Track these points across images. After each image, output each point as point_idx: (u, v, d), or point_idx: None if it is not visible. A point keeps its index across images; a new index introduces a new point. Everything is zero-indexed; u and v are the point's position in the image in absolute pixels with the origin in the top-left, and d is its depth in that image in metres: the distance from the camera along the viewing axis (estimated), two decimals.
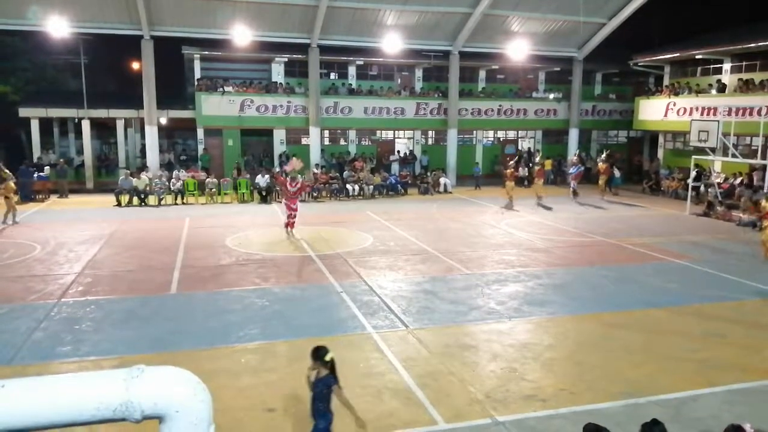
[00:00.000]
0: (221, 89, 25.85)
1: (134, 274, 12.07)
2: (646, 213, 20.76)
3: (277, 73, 27.98)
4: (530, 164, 27.61)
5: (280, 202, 19.76)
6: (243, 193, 23.00)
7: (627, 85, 32.78)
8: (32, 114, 25.33)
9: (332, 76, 29.00)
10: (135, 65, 29.72)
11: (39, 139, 25.70)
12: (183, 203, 22.19)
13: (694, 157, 21.49)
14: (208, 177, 23.42)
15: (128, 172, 22.93)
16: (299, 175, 16.94)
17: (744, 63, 24.89)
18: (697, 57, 26.11)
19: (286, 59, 27.56)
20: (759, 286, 11.49)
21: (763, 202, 14.40)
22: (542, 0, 25.53)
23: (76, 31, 23.65)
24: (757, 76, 23.43)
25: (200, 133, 26.35)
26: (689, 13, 32.47)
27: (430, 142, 30.14)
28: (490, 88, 30.87)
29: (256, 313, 9.72)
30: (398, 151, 29.33)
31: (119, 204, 21.34)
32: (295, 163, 16.41)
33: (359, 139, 29.06)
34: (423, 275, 12.10)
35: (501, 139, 31.51)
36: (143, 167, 24.78)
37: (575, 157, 25.28)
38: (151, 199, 21.88)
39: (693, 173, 22.68)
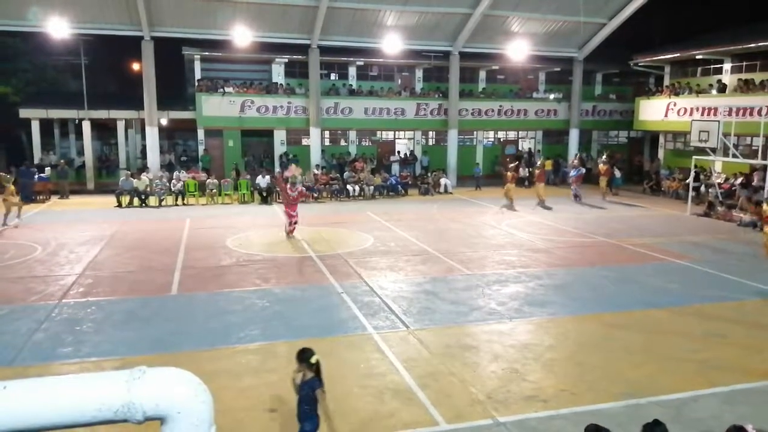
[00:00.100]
0: (222, 90, 25.86)
1: (135, 275, 12.08)
2: (647, 213, 20.76)
3: (278, 73, 27.99)
4: (531, 165, 27.59)
5: (281, 203, 19.77)
6: (243, 194, 23.00)
7: (627, 86, 32.78)
8: (33, 115, 25.35)
9: (332, 76, 29.02)
10: (135, 66, 29.75)
11: (39, 140, 25.71)
12: (183, 204, 22.20)
13: (694, 157, 21.48)
14: (208, 178, 23.43)
15: (129, 173, 22.94)
16: (299, 178, 16.94)
17: (744, 63, 24.89)
18: (697, 57, 26.10)
19: (287, 60, 27.57)
20: (760, 286, 11.49)
21: (765, 206, 14.39)
22: (542, 0, 25.54)
23: (77, 32, 23.66)
24: (758, 76, 23.42)
25: (201, 133, 26.36)
26: (689, 13, 32.48)
27: (430, 142, 30.15)
28: (490, 88, 30.88)
29: (257, 314, 9.72)
30: (399, 152, 29.34)
31: (120, 205, 21.35)
32: (294, 170, 16.45)
33: (360, 139, 29.06)
34: (424, 276, 12.10)
35: (501, 140, 31.53)
36: (144, 168, 24.79)
37: (576, 160, 25.23)
38: (152, 200, 21.89)
39: (691, 174, 22.72)
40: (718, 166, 23.61)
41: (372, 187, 24.41)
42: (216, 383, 6.36)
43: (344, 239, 15.68)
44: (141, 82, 24.80)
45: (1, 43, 27.58)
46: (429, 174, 26.69)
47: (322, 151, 27.11)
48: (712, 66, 26.42)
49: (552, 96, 30.82)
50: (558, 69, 30.77)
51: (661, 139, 28.87)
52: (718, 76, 25.66)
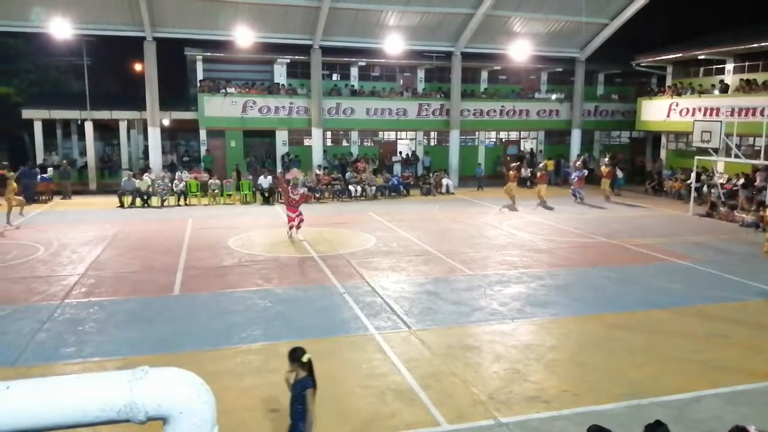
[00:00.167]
0: (224, 90, 25.89)
1: (137, 275, 12.10)
2: (649, 214, 20.74)
3: (280, 74, 28.00)
4: (533, 165, 27.56)
5: (283, 203, 19.79)
6: (245, 195, 23.02)
7: (629, 86, 32.74)
8: (35, 115, 25.40)
9: (334, 77, 29.03)
10: (138, 67, 29.77)
11: (42, 140, 25.76)
12: (186, 204, 22.22)
13: (697, 157, 21.45)
14: (210, 178, 23.45)
15: (131, 173, 22.97)
16: (300, 180, 16.95)
17: (747, 63, 24.84)
18: (699, 57, 26.06)
19: (289, 60, 27.58)
20: (762, 286, 11.47)
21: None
22: (544, 1, 25.52)
23: (79, 33, 23.70)
24: (760, 77, 23.37)
25: (203, 134, 26.38)
26: (691, 13, 32.42)
27: (432, 143, 30.14)
28: (492, 88, 30.86)
29: (259, 314, 9.73)
30: (400, 152, 29.34)
31: (122, 205, 21.37)
32: (295, 173, 16.48)
33: (361, 140, 29.07)
34: (425, 276, 12.10)
35: (503, 140, 31.51)
36: (146, 168, 24.83)
37: (579, 162, 25.11)
38: (154, 201, 21.91)
39: (693, 174, 22.71)
40: (720, 167, 23.58)
41: (374, 188, 24.41)
42: (218, 383, 6.37)
43: (346, 240, 15.68)
44: (143, 82, 24.83)
45: (4, 44, 27.66)
46: (431, 174, 26.68)
47: (324, 151, 27.12)
48: (714, 66, 26.38)
49: (554, 96, 30.80)
50: (560, 69, 30.74)
51: (664, 140, 28.83)
52: (721, 77, 25.61)
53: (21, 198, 18.24)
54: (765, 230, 15.90)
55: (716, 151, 20.75)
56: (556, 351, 8.29)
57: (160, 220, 18.99)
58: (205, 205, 22.24)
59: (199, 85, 26.33)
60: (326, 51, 26.20)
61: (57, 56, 31.37)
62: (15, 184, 17.84)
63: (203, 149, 26.51)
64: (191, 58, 27.23)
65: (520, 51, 24.91)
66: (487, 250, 14.57)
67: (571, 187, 23.44)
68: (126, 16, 23.16)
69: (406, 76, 30.25)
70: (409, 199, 24.30)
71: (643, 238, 15.95)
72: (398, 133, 29.67)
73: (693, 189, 21.43)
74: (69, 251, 14.06)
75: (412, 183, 26.24)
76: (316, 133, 26.54)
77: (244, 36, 23.13)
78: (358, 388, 7.12)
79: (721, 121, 20.63)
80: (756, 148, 22.96)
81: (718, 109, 23.10)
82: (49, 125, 26.89)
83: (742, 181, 21.99)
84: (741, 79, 24.03)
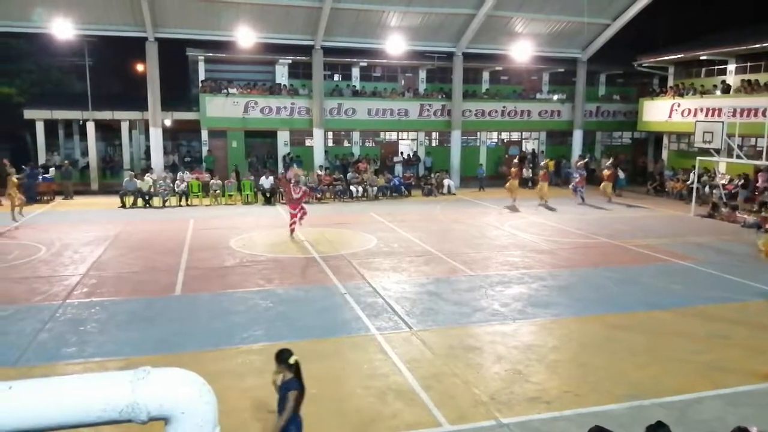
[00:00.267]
0: (225, 91, 25.91)
1: (139, 275, 12.11)
2: (651, 214, 20.72)
3: (281, 74, 28.02)
4: (534, 166, 27.55)
5: (285, 204, 19.83)
6: (247, 195, 23.04)
7: (631, 86, 32.73)
8: (37, 116, 25.44)
9: (336, 77, 29.05)
10: (139, 67, 29.80)
11: (44, 141, 25.80)
12: (187, 205, 22.24)
13: (698, 158, 21.43)
14: (212, 178, 23.46)
15: (133, 173, 23.00)
16: (302, 178, 16.97)
17: (749, 64, 24.81)
18: (701, 58, 26.02)
19: (290, 61, 27.60)
20: (763, 287, 11.45)
21: None
22: (546, 1, 25.51)
23: (81, 33, 23.74)
24: (762, 77, 23.34)
25: (204, 134, 26.41)
26: (693, 13, 32.39)
27: (433, 143, 30.15)
28: (493, 89, 30.86)
29: (261, 315, 9.74)
30: (402, 153, 29.35)
31: (124, 205, 21.40)
32: (296, 171, 16.50)
33: (363, 140, 29.09)
34: (427, 277, 12.10)
35: (505, 141, 31.52)
36: (148, 169, 24.85)
37: (580, 162, 25.08)
38: (156, 201, 21.93)
39: (692, 174, 22.71)
40: (722, 167, 23.55)
41: (375, 188, 24.41)
42: (220, 384, 6.37)
43: (347, 240, 15.69)
44: (145, 83, 24.86)
45: (6, 45, 27.70)
46: (432, 175, 26.69)
47: (326, 152, 27.14)
48: (716, 67, 26.34)
49: (556, 97, 30.78)
50: (562, 70, 30.73)
51: (665, 140, 28.81)
52: (723, 77, 25.58)
53: (21, 197, 18.28)
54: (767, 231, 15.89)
55: (718, 151, 20.72)
56: (558, 352, 8.29)
57: (161, 220, 19.01)
58: (206, 205, 22.25)
59: (200, 85, 26.37)
60: (328, 51, 26.21)
61: (59, 57, 31.41)
62: (16, 180, 17.91)
63: (205, 150, 26.53)
64: (193, 58, 27.27)
65: (521, 51, 24.90)
66: (488, 250, 14.57)
67: (572, 183, 23.41)
68: (128, 16, 23.20)
69: (408, 77, 30.26)
70: (411, 200, 24.30)
71: (644, 239, 15.93)
72: (400, 133, 29.68)
73: (694, 189, 21.41)
74: (71, 251, 14.08)
75: (413, 183, 26.24)
76: (318, 133, 26.55)
77: (245, 36, 23.15)
78: (359, 388, 7.12)
79: (723, 122, 20.60)
80: (758, 148, 22.92)
81: (720, 110, 23.07)
82: (51, 125, 26.93)
83: (740, 181, 21.97)
84: (743, 80, 24.00)
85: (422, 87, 29.83)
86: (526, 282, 11.72)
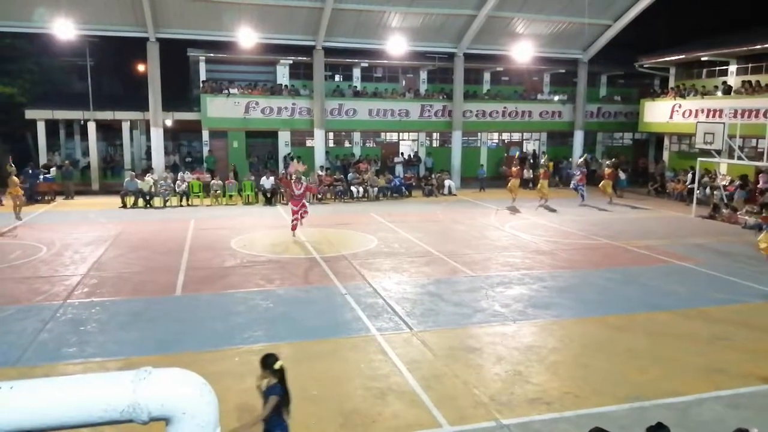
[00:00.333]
0: (226, 91, 25.93)
1: (139, 275, 12.11)
2: (651, 215, 20.71)
3: (282, 75, 28.03)
4: (535, 167, 27.54)
5: (286, 204, 19.83)
6: (248, 195, 23.05)
7: (632, 87, 32.72)
8: (38, 116, 25.45)
9: (337, 78, 29.07)
10: (141, 67, 29.83)
11: (45, 141, 25.82)
12: (188, 205, 22.25)
13: (699, 159, 21.41)
14: (213, 179, 23.48)
15: (133, 173, 23.01)
16: (303, 177, 16.98)
17: (750, 65, 24.79)
18: (702, 59, 25.99)
19: (291, 61, 27.62)
20: (764, 289, 11.44)
21: None
22: (547, 1, 25.51)
23: (83, 34, 23.76)
24: (763, 78, 23.31)
25: (205, 135, 26.43)
26: (695, 14, 32.38)
27: (434, 144, 30.16)
28: (494, 90, 30.87)
29: (261, 315, 9.74)
30: (402, 153, 29.36)
31: (125, 206, 21.42)
32: (296, 166, 16.48)
33: (364, 141, 29.11)
34: (427, 277, 12.10)
35: (506, 141, 31.53)
36: (148, 169, 24.86)
37: (581, 160, 25.09)
38: (157, 201, 21.94)
39: (689, 175, 22.70)
40: (723, 169, 23.53)
41: (376, 189, 24.42)
42: (220, 384, 6.38)
43: (348, 240, 15.69)
44: (146, 83, 24.88)
45: (7, 45, 27.69)
46: (433, 175, 26.70)
47: (327, 152, 27.15)
48: (717, 68, 26.32)
49: (557, 97, 30.79)
50: (563, 70, 30.74)
51: (666, 141, 28.79)
52: (724, 78, 25.56)
53: (22, 197, 18.30)
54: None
55: (719, 152, 20.71)
56: (558, 353, 8.29)
57: (162, 220, 19.02)
58: (207, 205, 22.26)
59: (201, 85, 26.38)
60: (329, 52, 26.22)
61: (60, 57, 31.41)
62: (16, 179, 17.93)
63: (206, 150, 26.55)
64: (194, 58, 27.29)
65: (522, 52, 24.88)
66: (489, 251, 14.56)
67: (573, 182, 23.41)
68: (129, 16, 23.21)
69: (409, 77, 30.27)
70: (411, 200, 24.30)
71: (645, 240, 15.92)
72: (400, 134, 29.69)
73: (695, 190, 21.41)
74: (71, 251, 14.09)
75: (414, 184, 26.25)
76: (319, 134, 26.56)
77: (246, 37, 23.15)
78: (359, 389, 7.12)
79: (724, 123, 20.60)
80: (759, 149, 22.91)
81: (721, 111, 23.06)
82: (52, 126, 26.96)
83: (738, 183, 21.97)
84: (744, 81, 23.99)
85: (423, 87, 29.84)
86: (526, 283, 11.71)
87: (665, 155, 28.80)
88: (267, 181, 22.94)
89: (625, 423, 6.22)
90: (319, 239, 15.67)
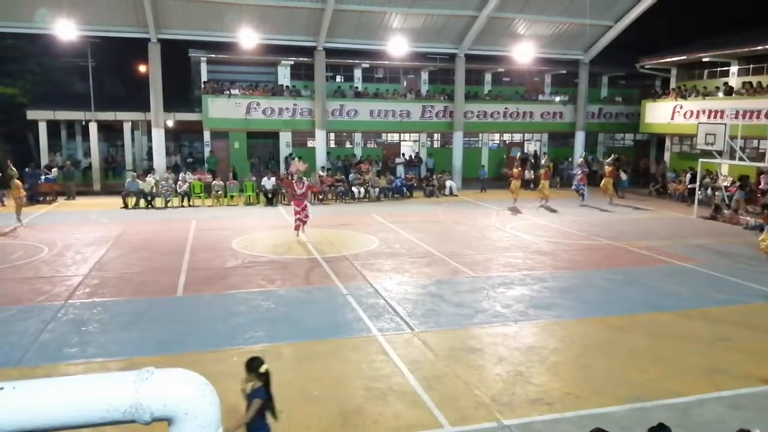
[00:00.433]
0: (228, 92, 25.95)
1: (141, 276, 12.12)
2: (653, 216, 20.70)
3: (284, 75, 28.06)
4: (536, 168, 27.53)
5: (289, 204, 19.83)
6: (249, 196, 23.06)
7: (633, 88, 32.73)
8: (40, 116, 25.49)
9: (338, 78, 29.08)
10: (142, 68, 29.90)
11: (46, 141, 25.87)
12: (189, 205, 22.27)
13: (701, 160, 21.39)
14: (214, 179, 23.49)
15: (135, 174, 23.04)
16: (305, 177, 16.98)
17: (751, 66, 24.78)
18: (703, 59, 25.99)
19: (293, 62, 27.65)
20: (765, 289, 11.43)
21: None
22: (548, 2, 25.51)
23: (84, 34, 23.79)
24: (765, 79, 23.30)
25: (207, 135, 26.44)
26: (696, 15, 32.37)
27: (435, 144, 30.16)
28: (495, 90, 30.87)
29: (262, 316, 9.75)
30: (404, 154, 29.37)
31: (126, 206, 21.44)
32: (297, 165, 16.48)
33: (365, 141, 29.12)
34: (428, 278, 12.10)
35: (507, 142, 31.54)
36: (150, 170, 24.89)
37: (581, 160, 25.11)
38: (158, 202, 21.96)
39: (688, 176, 22.64)
40: (724, 169, 23.52)
41: (377, 189, 24.43)
42: (221, 384, 6.34)
43: (349, 241, 15.69)
44: (147, 84, 24.91)
45: (9, 45, 27.75)
46: (434, 176, 26.70)
47: (328, 153, 27.16)
48: (718, 68, 26.32)
49: (558, 98, 30.79)
50: (564, 71, 30.74)
51: (668, 142, 28.78)
52: (725, 79, 25.56)
53: (24, 198, 18.31)
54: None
55: (720, 153, 20.69)
56: (560, 353, 8.28)
57: (163, 221, 19.03)
58: (208, 206, 22.27)
59: (203, 86, 26.40)
60: (330, 53, 26.24)
61: (62, 57, 31.50)
62: (18, 182, 17.95)
63: (207, 150, 26.57)
64: (195, 59, 27.33)
65: (523, 53, 24.88)
66: (490, 252, 14.56)
67: (574, 183, 23.41)
68: (130, 17, 23.24)
69: (410, 78, 30.29)
70: (412, 201, 24.31)
71: (646, 241, 15.91)
72: (402, 134, 29.70)
73: (697, 191, 21.40)
74: (73, 252, 14.10)
75: (415, 185, 26.28)
76: (320, 134, 26.56)
77: (248, 38, 23.17)
78: (360, 389, 7.13)
79: (725, 124, 20.58)
80: (760, 150, 22.92)
81: (722, 112, 23.03)
82: (53, 126, 27.00)
83: (737, 183, 21.98)
84: (745, 82, 23.98)
85: (424, 88, 29.84)
86: (527, 283, 11.71)
87: (666, 156, 28.79)
88: (268, 182, 22.95)
89: (626, 423, 6.22)
90: (321, 240, 15.67)
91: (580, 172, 23.23)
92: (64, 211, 20.86)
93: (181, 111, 27.00)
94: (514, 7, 25.47)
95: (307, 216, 15.70)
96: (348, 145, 28.90)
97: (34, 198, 21.56)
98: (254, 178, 23.73)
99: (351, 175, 25.24)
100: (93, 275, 12.05)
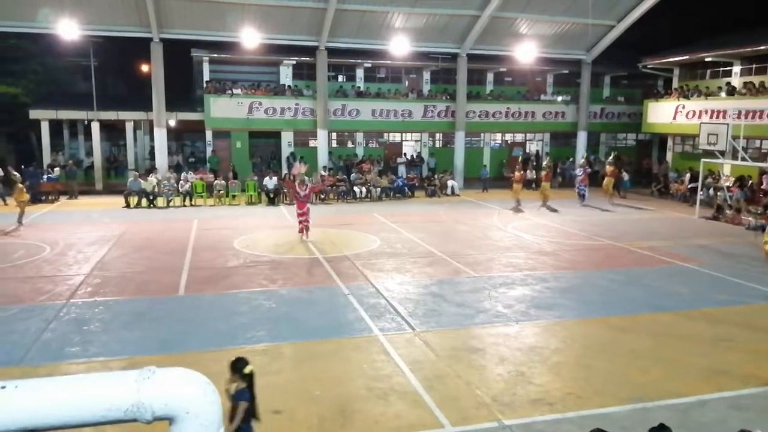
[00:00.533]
0: (230, 91, 25.96)
1: (143, 275, 12.14)
2: (655, 216, 20.67)
3: (286, 75, 28.07)
4: (538, 168, 27.52)
5: (291, 204, 19.83)
6: (251, 195, 23.08)
7: (636, 88, 32.68)
8: (42, 116, 25.53)
9: (340, 78, 29.09)
10: (144, 68, 29.89)
11: (49, 141, 25.92)
12: (191, 205, 22.29)
13: (703, 160, 21.37)
14: (216, 179, 23.52)
15: (137, 173, 23.07)
16: (307, 178, 16.98)
17: (754, 66, 24.73)
18: (706, 59, 25.93)
19: (295, 62, 27.66)
20: (767, 290, 11.43)
21: None
22: (551, 2, 25.48)
23: (87, 34, 23.82)
24: (767, 79, 23.27)
25: (209, 135, 26.46)
26: (698, 15, 32.31)
27: (437, 144, 30.15)
28: (497, 90, 30.85)
29: (264, 315, 9.76)
30: (405, 154, 29.36)
31: (128, 205, 21.47)
32: (299, 167, 16.50)
33: (367, 141, 29.12)
34: (430, 278, 12.10)
35: (509, 142, 31.51)
36: (152, 169, 24.92)
37: (583, 160, 25.10)
38: (160, 201, 21.99)
39: (687, 176, 22.59)
40: (726, 170, 23.48)
41: (379, 189, 24.43)
42: (223, 384, 6.38)
43: (351, 241, 15.70)
44: (150, 83, 24.93)
45: (12, 45, 27.80)
46: (436, 176, 26.70)
47: (329, 152, 27.17)
48: (721, 68, 26.27)
49: (560, 98, 30.75)
50: (566, 71, 30.70)
51: (670, 142, 28.74)
52: (727, 79, 25.52)
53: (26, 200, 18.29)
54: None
55: (723, 153, 20.66)
56: (561, 354, 8.28)
57: (165, 220, 19.05)
58: (210, 205, 22.29)
59: (205, 86, 26.42)
60: (332, 52, 26.24)
61: (64, 57, 31.53)
62: (22, 186, 17.96)
63: (209, 150, 26.59)
64: (198, 59, 27.35)
65: (526, 53, 24.86)
66: (491, 251, 14.56)
67: (577, 185, 23.39)
68: (133, 17, 23.27)
69: (412, 78, 30.29)
70: (414, 201, 24.30)
71: (648, 241, 15.90)
72: (403, 134, 29.69)
73: (699, 191, 21.37)
74: (75, 251, 14.13)
75: (417, 184, 26.27)
76: (322, 134, 26.57)
77: (250, 37, 23.18)
78: (362, 389, 7.13)
79: (727, 124, 20.54)
80: (763, 150, 22.88)
81: (724, 112, 22.99)
82: (56, 126, 27.04)
83: (736, 183, 21.97)
84: (748, 82, 23.93)
85: (426, 88, 29.84)
86: (529, 284, 11.71)
87: (669, 156, 28.75)
88: (270, 182, 22.96)
89: (628, 424, 6.22)
90: (322, 239, 15.69)
91: (581, 172, 23.22)
92: (66, 210, 20.90)
93: (184, 110, 27.03)
94: (516, 7, 25.45)
95: (307, 221, 15.68)
96: (350, 144, 28.91)
97: (35, 197, 21.58)
98: (256, 178, 23.74)
99: (353, 175, 25.24)
100: (95, 274, 12.07)
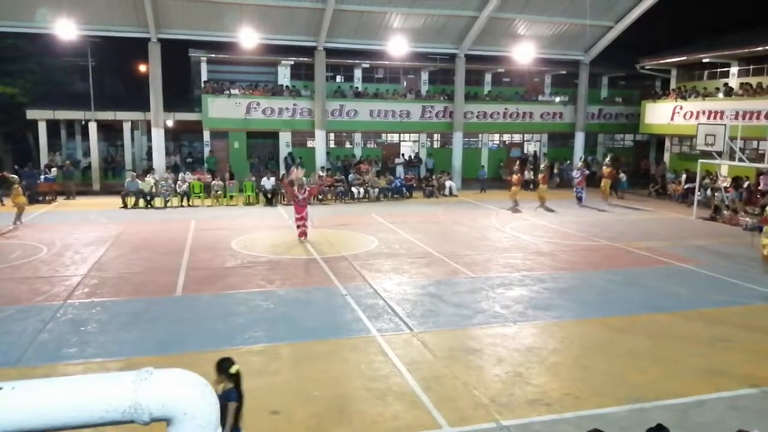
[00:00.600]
0: (228, 92, 25.94)
1: (140, 276, 12.12)
2: (652, 217, 20.70)
3: (284, 75, 28.06)
4: (536, 169, 27.54)
5: (288, 205, 19.81)
6: (248, 196, 23.06)
7: (633, 89, 32.73)
8: (40, 116, 25.47)
9: (338, 78, 29.08)
10: (142, 68, 29.89)
11: (46, 141, 25.87)
12: (189, 205, 22.26)
13: (700, 161, 21.40)
14: (213, 179, 23.49)
15: (134, 174, 23.03)
16: (305, 179, 16.96)
17: (751, 66, 24.79)
18: (704, 60, 26.01)
19: (293, 62, 27.65)
20: (765, 290, 11.44)
21: None
22: (549, 3, 25.51)
23: (84, 34, 23.79)
24: (765, 80, 23.31)
25: (206, 135, 26.43)
26: (696, 16, 32.38)
27: (435, 145, 30.17)
28: (495, 91, 30.87)
29: (261, 316, 9.75)
30: (403, 154, 29.37)
31: (125, 206, 21.43)
32: (296, 172, 16.51)
33: (365, 141, 29.12)
34: (428, 278, 12.10)
35: (507, 143, 31.54)
36: (149, 169, 24.88)
37: (581, 163, 25.13)
38: (157, 201, 21.96)
39: (684, 176, 22.64)
40: (724, 170, 23.53)
41: (377, 190, 24.43)
42: None
43: (349, 241, 15.70)
44: (147, 83, 24.91)
45: (9, 45, 27.74)
46: (434, 176, 26.70)
47: (327, 153, 27.16)
48: (718, 69, 26.33)
49: (558, 99, 30.79)
50: (564, 72, 30.74)
51: (667, 143, 28.80)
52: (725, 80, 25.57)
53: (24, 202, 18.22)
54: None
55: (720, 154, 20.70)
56: (559, 354, 8.29)
57: (163, 221, 19.03)
58: (208, 206, 22.27)
59: (203, 86, 26.39)
60: (330, 53, 26.23)
61: (62, 57, 31.49)
62: (19, 188, 17.91)
63: (207, 150, 26.56)
64: (195, 59, 27.31)
65: (524, 53, 24.88)
66: (489, 252, 14.56)
67: (574, 189, 23.41)
68: (131, 17, 23.23)
69: (410, 78, 30.29)
70: (412, 201, 24.31)
71: (646, 241, 15.92)
72: (401, 135, 29.70)
73: (696, 192, 21.41)
74: (72, 252, 14.10)
75: (414, 185, 26.28)
76: (320, 134, 26.56)
77: (248, 37, 23.16)
78: (359, 389, 7.13)
79: (725, 125, 20.59)
80: (760, 151, 22.93)
81: (722, 113, 23.04)
82: (53, 126, 26.98)
83: (731, 184, 22.02)
84: (745, 83, 23.98)
85: (424, 88, 29.85)
86: (527, 284, 11.71)
87: (666, 157, 28.80)
88: (268, 182, 22.95)
89: (625, 424, 6.22)
90: (320, 240, 15.68)
91: (579, 174, 23.24)
92: (63, 210, 20.85)
93: (181, 111, 27.00)
94: (514, 8, 25.47)
95: (305, 226, 15.66)
96: (348, 145, 28.91)
97: (33, 198, 21.53)
98: (254, 178, 23.72)
99: (350, 176, 25.24)
100: (92, 275, 12.04)
